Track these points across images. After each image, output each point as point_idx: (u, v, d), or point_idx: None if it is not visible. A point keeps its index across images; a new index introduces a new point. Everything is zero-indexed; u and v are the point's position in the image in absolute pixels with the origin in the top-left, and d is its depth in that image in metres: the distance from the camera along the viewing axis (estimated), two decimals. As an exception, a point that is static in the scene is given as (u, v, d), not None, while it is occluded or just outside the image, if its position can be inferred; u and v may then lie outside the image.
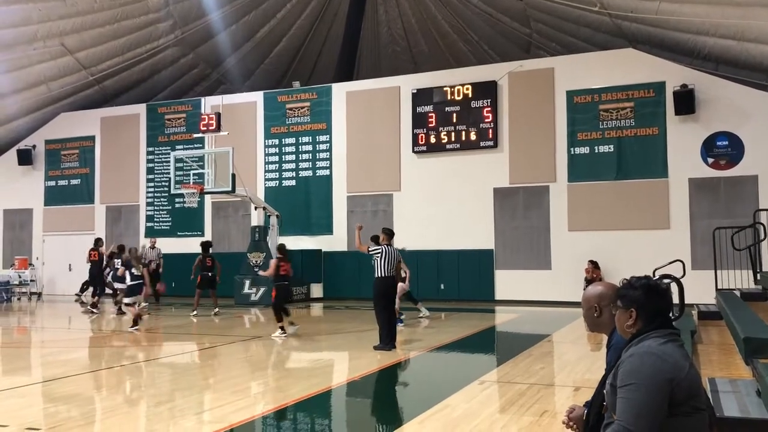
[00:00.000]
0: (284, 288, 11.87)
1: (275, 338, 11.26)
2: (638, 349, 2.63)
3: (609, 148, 17.27)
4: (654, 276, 9.71)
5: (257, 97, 21.53)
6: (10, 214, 24.29)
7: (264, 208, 18.88)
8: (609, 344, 3.27)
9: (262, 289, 17.87)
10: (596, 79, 17.45)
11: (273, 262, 12.14)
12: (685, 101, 16.23)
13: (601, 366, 3.91)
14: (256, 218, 19.06)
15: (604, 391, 2.81)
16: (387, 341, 10.00)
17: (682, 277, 10.34)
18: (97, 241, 17.99)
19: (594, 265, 16.56)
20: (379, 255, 10.14)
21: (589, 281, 16.02)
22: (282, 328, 11.41)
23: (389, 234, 10.52)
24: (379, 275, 10.11)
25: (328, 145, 20.38)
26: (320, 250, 19.70)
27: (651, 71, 16.90)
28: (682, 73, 16.55)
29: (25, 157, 23.71)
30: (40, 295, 22.15)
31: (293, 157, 20.81)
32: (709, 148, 16.38)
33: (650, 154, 16.84)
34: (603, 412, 2.86)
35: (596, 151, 17.39)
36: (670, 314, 2.79)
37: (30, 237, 23.86)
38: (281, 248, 12.42)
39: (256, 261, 18.13)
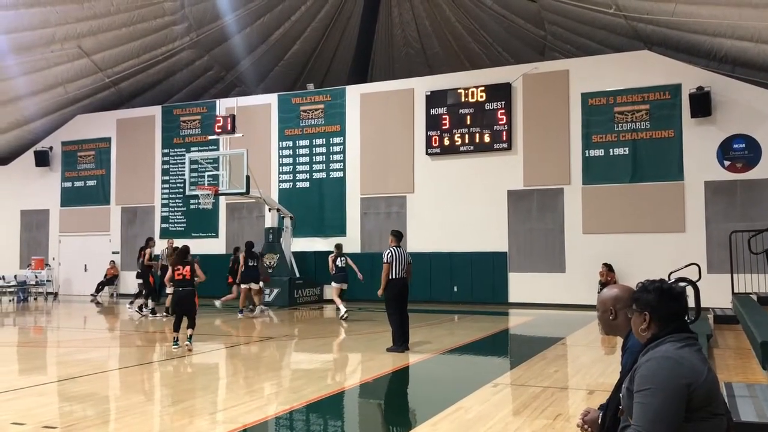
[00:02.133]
0: (177, 294, 10.80)
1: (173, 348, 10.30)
2: (655, 354, 2.61)
3: (624, 150, 17.17)
4: (669, 279, 9.65)
5: (271, 99, 21.61)
6: (28, 214, 24.54)
7: (278, 210, 18.94)
8: (624, 347, 3.25)
9: (276, 290, 17.94)
10: (611, 81, 17.36)
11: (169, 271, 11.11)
12: (702, 103, 16.11)
13: (616, 369, 3.89)
14: (270, 220, 19.13)
15: (620, 395, 2.79)
16: (400, 343, 10.00)
17: (698, 280, 10.26)
18: (148, 241, 17.18)
19: (608, 268, 16.46)
20: (391, 257, 10.14)
21: (603, 284, 15.93)
22: (175, 339, 10.43)
23: (397, 236, 10.50)
24: (390, 277, 10.12)
25: (341, 147, 20.42)
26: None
27: (667, 73, 16.79)
28: (698, 75, 16.43)
29: (42, 159, 23.95)
30: (56, 295, 22.35)
31: (307, 158, 20.87)
32: (725, 150, 16.24)
33: (666, 156, 16.72)
34: (619, 415, 2.84)
35: (611, 153, 17.30)
36: (686, 318, 2.77)
37: (46, 237, 24.09)
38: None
39: (270, 262, 18.19)
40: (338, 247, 15.38)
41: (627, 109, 17.19)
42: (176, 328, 10.56)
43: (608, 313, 3.17)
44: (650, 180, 16.85)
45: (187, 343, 10.30)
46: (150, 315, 15.32)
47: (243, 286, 15.68)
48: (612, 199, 17.17)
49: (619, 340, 3.33)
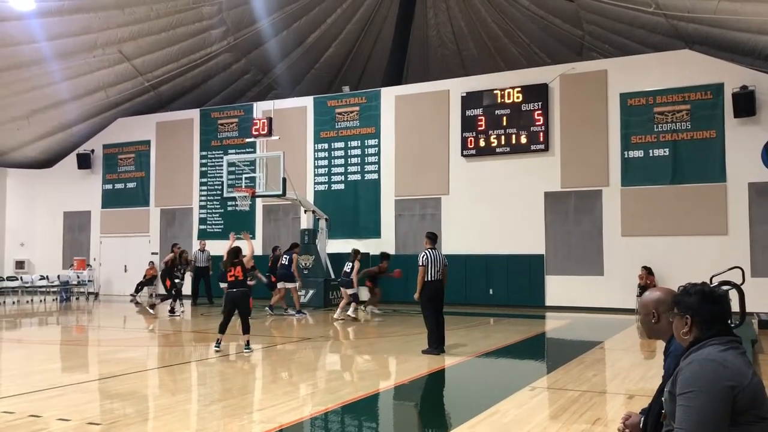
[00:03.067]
0: (229, 295, 10.67)
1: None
2: (698, 356, 2.57)
3: (664, 151, 16.85)
4: (711, 283, 9.44)
5: (307, 101, 21.76)
6: (70, 216, 25.12)
7: (313, 212, 19.05)
8: (667, 351, 3.19)
9: (311, 291, 18.05)
10: (651, 81, 17.06)
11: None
12: (745, 103, 15.73)
13: (656, 374, 3.82)
14: (306, 221, 19.25)
15: (663, 399, 2.74)
16: (435, 345, 9.96)
17: (742, 284, 10.01)
18: (173, 247, 17.57)
19: (648, 271, 16.17)
20: (426, 260, 10.10)
21: (642, 288, 15.66)
22: (218, 341, 10.37)
23: (432, 238, 10.46)
24: (426, 279, 10.08)
25: (376, 149, 20.46)
26: (368, 253, 19.75)
27: (708, 72, 16.43)
28: (741, 74, 16.04)
29: (84, 161, 24.50)
30: (96, 295, 22.81)
31: (342, 161, 20.95)
32: (770, 151, 15.82)
33: (708, 157, 16.36)
34: (662, 420, 2.79)
35: (651, 154, 17.00)
36: (729, 321, 2.71)
37: (88, 238, 24.63)
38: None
39: (306, 263, 18.30)
40: (355, 252, 15.64)
41: (667, 110, 16.87)
42: (222, 329, 10.48)
43: (650, 316, 3.12)
44: (691, 181, 16.51)
45: (246, 350, 10.17)
46: (169, 314, 15.94)
47: (279, 285, 15.94)
48: (652, 201, 16.86)
49: (659, 344, 3.28)
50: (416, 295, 10.19)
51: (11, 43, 19.25)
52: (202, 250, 19.67)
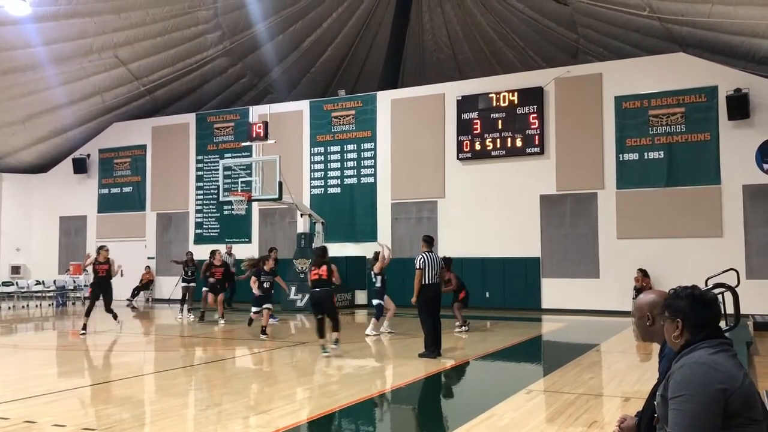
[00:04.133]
0: (311, 296, 10.47)
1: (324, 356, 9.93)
2: (688, 360, 2.58)
3: (659, 154, 16.91)
4: (706, 285, 9.46)
5: (303, 105, 21.78)
6: (66, 220, 25.08)
7: (310, 215, 19.06)
8: (662, 354, 3.20)
9: (307, 295, 18.02)
10: (646, 84, 17.12)
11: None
12: (739, 106, 15.80)
13: (652, 376, 3.83)
14: (302, 225, 19.25)
15: (655, 402, 2.75)
16: (432, 349, 9.97)
17: (737, 286, 10.04)
18: (226, 247, 17.19)
19: (643, 273, 16.21)
20: (423, 263, 10.07)
21: (638, 290, 15.71)
22: (323, 347, 10.03)
23: (429, 241, 10.43)
24: (423, 283, 10.06)
25: (372, 152, 20.48)
26: (364, 257, 19.76)
27: (703, 75, 16.51)
28: (735, 77, 16.12)
29: (80, 166, 24.48)
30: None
31: (338, 164, 20.97)
32: (764, 153, 15.89)
33: (702, 160, 16.43)
34: (654, 423, 2.80)
35: (646, 157, 17.05)
36: (720, 324, 2.73)
37: (84, 243, 24.57)
38: (315, 250, 11.15)
39: (302, 267, 18.30)
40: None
41: (662, 113, 16.94)
42: (321, 334, 10.24)
43: (645, 318, 3.13)
44: (686, 184, 16.57)
45: (334, 347, 10.15)
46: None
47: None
48: (647, 204, 16.91)
49: (655, 347, 3.29)
50: (413, 299, 10.16)
51: (7, 47, 19.24)
52: (229, 254, 19.44)
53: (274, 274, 11.95)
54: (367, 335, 12.56)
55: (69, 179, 24.77)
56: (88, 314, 13.49)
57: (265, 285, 11.66)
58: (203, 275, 16.19)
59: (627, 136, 17.27)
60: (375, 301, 13.16)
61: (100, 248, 13.93)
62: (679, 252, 16.36)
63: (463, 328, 13.15)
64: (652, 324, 3.11)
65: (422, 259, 10.10)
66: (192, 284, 16.75)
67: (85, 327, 13.28)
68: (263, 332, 12.05)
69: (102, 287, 13.74)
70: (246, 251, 21.23)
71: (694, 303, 2.70)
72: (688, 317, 2.69)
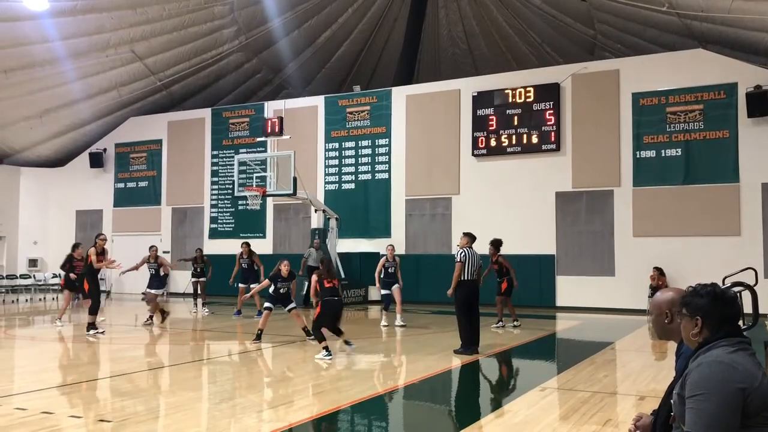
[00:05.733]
0: (330, 303, 10.03)
1: (319, 360, 9.43)
2: (706, 358, 2.55)
3: (676, 151, 16.75)
4: (724, 284, 9.36)
5: (318, 101, 21.79)
6: (82, 214, 25.28)
7: (324, 211, 19.07)
8: (679, 352, 3.16)
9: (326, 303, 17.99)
10: (663, 80, 16.96)
11: (313, 280, 10.37)
12: (759, 103, 15.61)
13: (668, 375, 3.79)
14: (316, 221, 19.27)
15: (672, 401, 2.72)
16: (468, 345, 9.88)
17: (755, 285, 9.92)
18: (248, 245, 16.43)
19: (659, 271, 16.07)
20: (464, 257, 9.97)
21: (654, 288, 15.58)
22: (326, 348, 9.62)
23: (471, 237, 10.34)
24: (462, 278, 9.95)
25: (387, 148, 20.46)
26: (378, 252, 19.73)
27: (722, 72, 16.32)
28: (755, 73, 15.91)
29: (97, 160, 24.66)
30: (108, 293, 22.93)
31: (353, 160, 20.97)
32: (784, 151, 15.68)
33: (720, 157, 16.25)
34: (671, 422, 2.77)
35: (663, 154, 16.89)
36: (738, 323, 2.69)
37: (100, 237, 24.73)
38: (323, 261, 10.93)
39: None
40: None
41: (680, 110, 16.77)
42: (339, 332, 10.26)
43: (663, 316, 3.09)
44: (704, 182, 16.40)
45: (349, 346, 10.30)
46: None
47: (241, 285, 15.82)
48: (664, 202, 16.76)
49: (671, 345, 3.26)
50: (450, 291, 10.05)
51: (25, 42, 19.39)
52: (317, 249, 19.14)
53: (292, 279, 11.86)
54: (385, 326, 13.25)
55: (85, 173, 24.96)
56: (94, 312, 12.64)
57: (281, 291, 11.65)
58: (63, 269, 15.06)
59: (644, 133, 17.11)
60: (384, 292, 13.74)
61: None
62: (696, 250, 16.20)
63: (500, 323, 13.34)
64: (670, 322, 3.07)
65: (463, 253, 9.99)
66: (202, 279, 16.81)
67: (93, 326, 12.41)
68: (258, 337, 11.34)
69: (81, 281, 13.04)
70: (260, 247, 21.33)
71: (715, 301, 2.66)
72: (708, 315, 2.65)
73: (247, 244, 16.31)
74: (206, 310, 16.37)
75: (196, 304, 16.69)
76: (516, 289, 13.65)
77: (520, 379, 8.82)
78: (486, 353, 10.23)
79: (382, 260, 13.86)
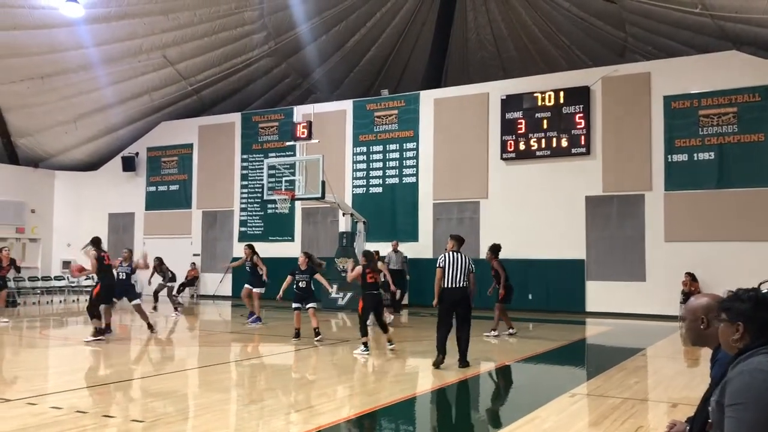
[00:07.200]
0: (372, 297, 10.44)
1: (357, 355, 9.85)
2: (747, 366, 2.49)
3: (709, 155, 16.48)
4: (760, 290, 9.16)
5: (346, 105, 21.87)
6: (115, 217, 25.68)
7: (351, 215, 19.11)
8: (714, 358, 3.10)
9: (349, 294, 18.09)
10: (696, 83, 16.70)
11: (357, 269, 10.81)
12: (795, 105, 15.28)
13: (701, 382, 3.73)
14: (344, 224, 19.32)
15: (709, 408, 2.67)
16: (438, 355, 9.10)
17: (792, 291, 9.71)
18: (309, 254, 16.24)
19: (691, 277, 15.82)
20: (443, 262, 9.07)
21: (686, 294, 15.34)
22: (365, 344, 9.92)
23: (457, 240, 9.31)
24: (443, 286, 9.04)
25: (415, 152, 20.45)
26: (406, 256, 19.75)
27: (757, 74, 16.02)
28: (791, 75, 15.60)
29: (129, 164, 25.05)
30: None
31: (380, 164, 20.99)
32: (821, 155, 15.33)
33: (755, 161, 15.94)
34: (707, 429, 2.72)
35: (695, 158, 16.63)
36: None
37: (132, 240, 25.10)
38: (366, 254, 11.04)
39: (344, 266, 18.36)
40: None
41: (713, 112, 16.50)
42: (385, 329, 10.64)
43: (699, 321, 3.04)
44: (738, 186, 16.10)
45: (392, 346, 10.48)
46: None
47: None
48: (696, 206, 16.49)
49: (704, 352, 3.21)
50: (434, 302, 9.14)
51: (60, 48, 19.80)
52: (396, 251, 18.80)
53: (312, 273, 11.81)
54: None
55: (118, 177, 25.35)
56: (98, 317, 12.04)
57: (300, 285, 11.67)
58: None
59: (676, 137, 16.87)
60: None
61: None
62: (729, 256, 15.90)
63: (492, 331, 12.54)
64: (707, 327, 3.01)
65: (442, 259, 9.05)
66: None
67: (100, 331, 11.81)
68: (296, 335, 11.72)
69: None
70: (288, 250, 21.47)
71: (758, 306, 2.60)
72: (750, 321, 2.59)
73: (250, 247, 15.90)
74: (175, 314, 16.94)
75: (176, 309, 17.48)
76: (491, 294, 13.10)
77: (549, 384, 8.73)
78: (514, 359, 10.15)
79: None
